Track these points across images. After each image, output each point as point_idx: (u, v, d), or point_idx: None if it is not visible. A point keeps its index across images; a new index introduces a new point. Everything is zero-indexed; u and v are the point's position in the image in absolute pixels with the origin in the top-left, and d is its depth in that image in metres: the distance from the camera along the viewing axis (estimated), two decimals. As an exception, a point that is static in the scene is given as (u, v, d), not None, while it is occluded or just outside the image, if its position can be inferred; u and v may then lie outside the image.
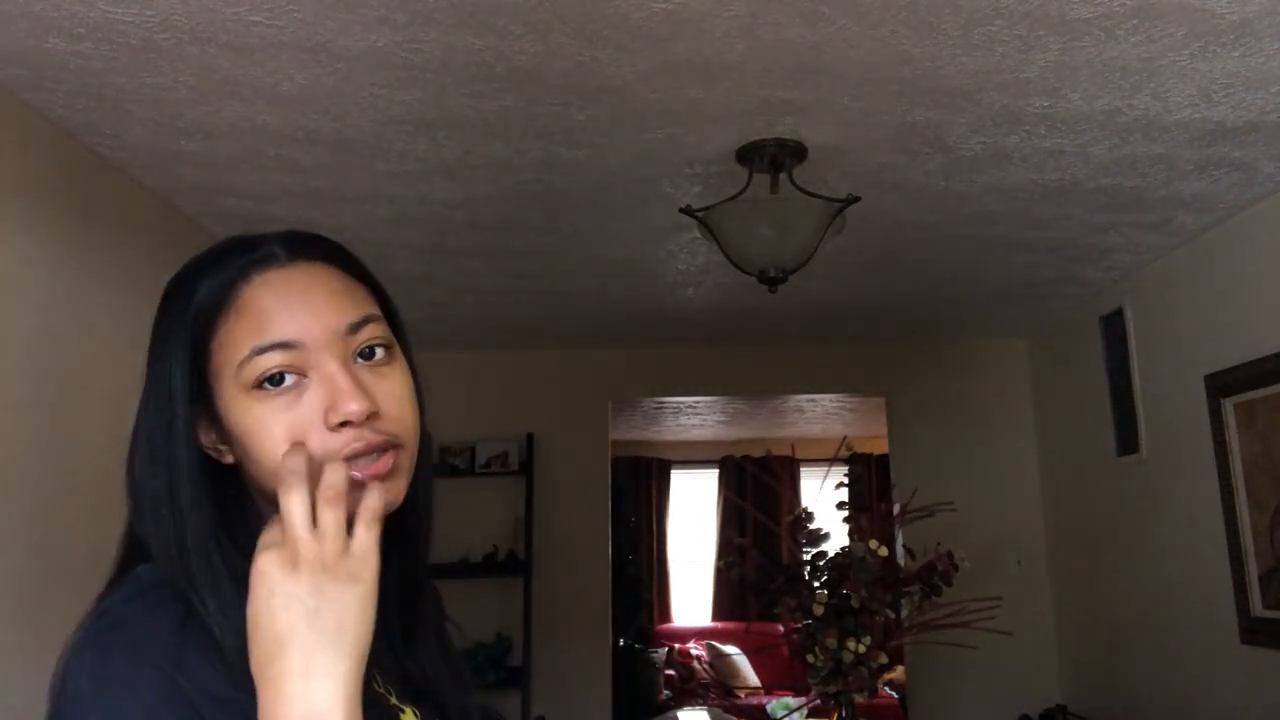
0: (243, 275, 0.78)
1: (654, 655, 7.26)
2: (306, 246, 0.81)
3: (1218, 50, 2.00)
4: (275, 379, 0.75)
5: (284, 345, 0.75)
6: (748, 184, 2.48)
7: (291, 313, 0.76)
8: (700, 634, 7.97)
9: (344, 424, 0.74)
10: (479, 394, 4.75)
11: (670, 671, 7.33)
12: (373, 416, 0.75)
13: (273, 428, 0.75)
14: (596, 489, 4.82)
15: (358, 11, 1.81)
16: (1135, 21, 1.89)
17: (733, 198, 2.49)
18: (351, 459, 0.74)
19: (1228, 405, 3.02)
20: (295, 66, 2.01)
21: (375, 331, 0.79)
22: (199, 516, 0.75)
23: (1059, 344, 4.35)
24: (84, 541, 2.24)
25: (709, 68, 2.05)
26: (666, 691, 7.09)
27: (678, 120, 2.30)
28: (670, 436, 8.24)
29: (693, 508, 8.71)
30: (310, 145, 2.41)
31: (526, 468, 4.69)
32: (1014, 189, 2.76)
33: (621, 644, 6.48)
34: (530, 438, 4.74)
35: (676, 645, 7.72)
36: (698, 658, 7.66)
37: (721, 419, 7.34)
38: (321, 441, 0.74)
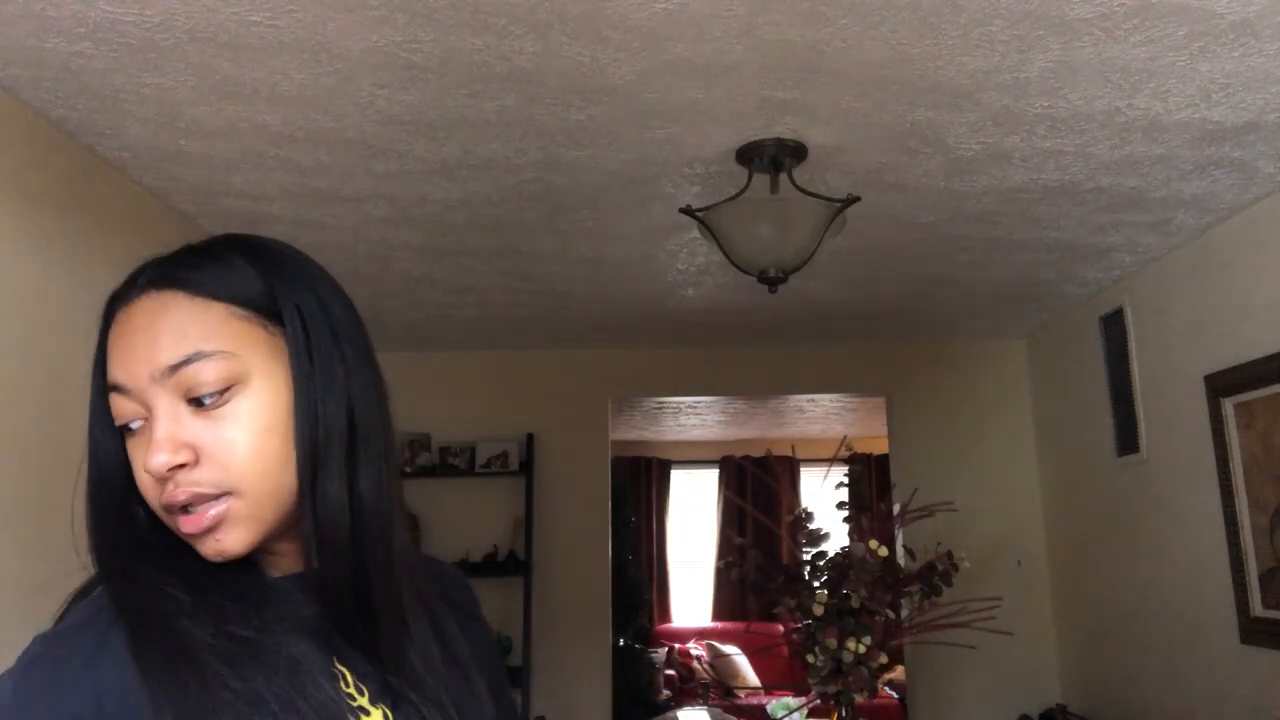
0: (109, 313, 0.79)
1: (654, 655, 7.26)
2: (161, 273, 0.78)
3: (1218, 50, 2.00)
4: (128, 422, 0.76)
5: (116, 388, 0.76)
6: (748, 184, 2.48)
7: (120, 354, 0.76)
8: (700, 634, 7.97)
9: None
10: (479, 394, 4.75)
11: (670, 671, 7.33)
12: (185, 467, 0.73)
13: (136, 466, 0.76)
14: (596, 489, 4.82)
15: (358, 11, 1.81)
16: (1135, 21, 1.89)
17: (733, 198, 2.49)
18: (175, 509, 0.74)
19: (1228, 405, 3.02)
20: (295, 66, 2.01)
21: (202, 372, 0.74)
22: (101, 537, 0.78)
23: (1059, 344, 4.35)
24: (83, 540, 2.24)
25: (709, 68, 2.05)
26: (666, 691, 7.09)
27: (678, 120, 2.30)
28: (670, 436, 8.25)
29: (693, 508, 8.71)
30: (310, 145, 2.41)
31: (526, 468, 4.69)
32: (1014, 189, 2.76)
33: (621, 644, 6.48)
34: (530, 438, 4.75)
35: (676, 645, 7.72)
36: (698, 658, 7.66)
37: (721, 419, 7.34)
38: (149, 485, 0.76)
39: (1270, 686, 2.85)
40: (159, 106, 2.18)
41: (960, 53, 2.00)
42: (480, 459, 4.69)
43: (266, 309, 0.78)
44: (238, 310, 0.77)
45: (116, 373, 0.75)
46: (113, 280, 0.81)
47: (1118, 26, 1.90)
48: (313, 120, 2.27)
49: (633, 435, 7.92)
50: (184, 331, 0.75)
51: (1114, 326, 3.78)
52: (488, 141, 2.41)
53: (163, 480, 0.74)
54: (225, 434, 0.74)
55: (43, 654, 0.73)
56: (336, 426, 0.78)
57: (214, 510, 0.74)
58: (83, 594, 0.80)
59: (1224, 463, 3.03)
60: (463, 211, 2.89)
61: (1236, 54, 2.02)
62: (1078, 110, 2.27)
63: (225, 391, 0.74)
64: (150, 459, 0.72)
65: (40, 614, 2.22)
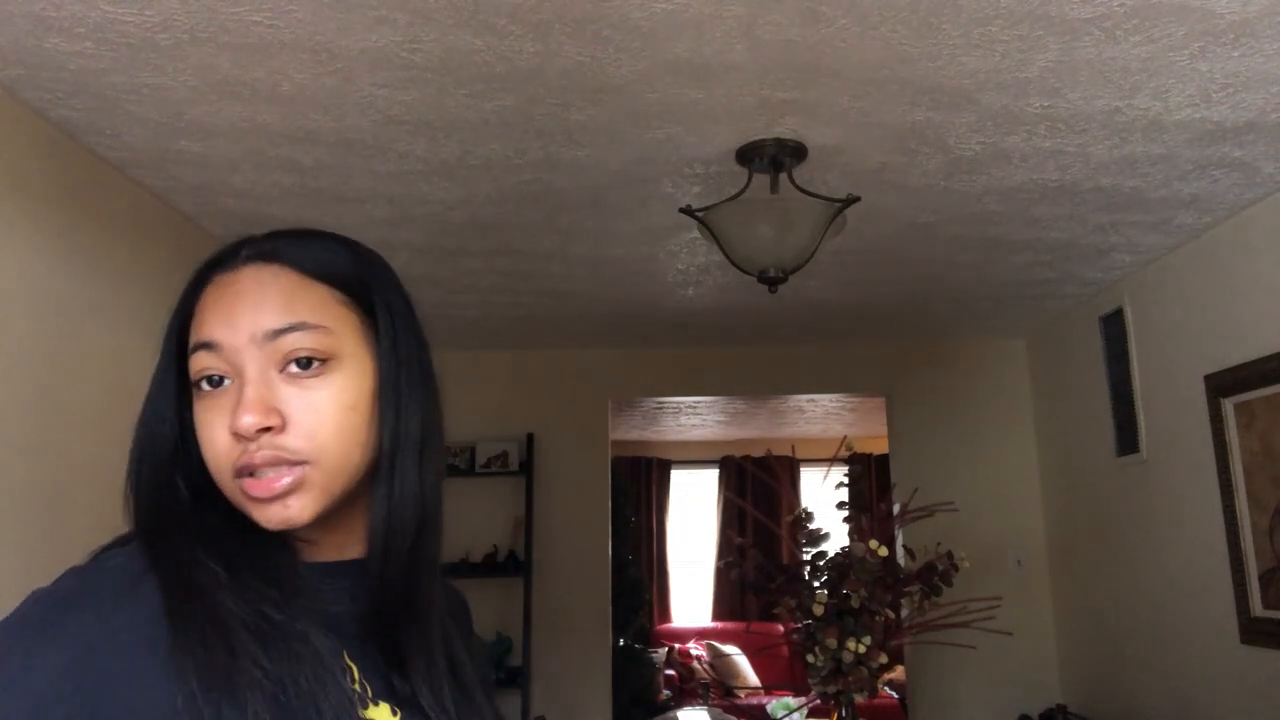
0: (204, 278, 0.81)
1: (654, 655, 7.26)
2: (269, 247, 0.81)
3: (1218, 50, 2.00)
4: (212, 380, 0.77)
5: (207, 345, 0.77)
6: (748, 184, 2.48)
7: (219, 313, 0.77)
8: (700, 634, 7.97)
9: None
10: (479, 394, 4.75)
11: (670, 671, 7.33)
12: (272, 430, 0.75)
13: (207, 428, 0.77)
14: (596, 489, 4.82)
15: (358, 11, 1.81)
16: (1135, 21, 1.89)
17: (733, 198, 2.49)
18: (245, 471, 0.75)
19: (1228, 405, 3.02)
20: (295, 66, 2.01)
21: (303, 341, 0.76)
22: (170, 483, 0.78)
23: (1059, 344, 4.35)
24: (84, 541, 2.24)
25: (709, 68, 2.05)
26: (666, 691, 7.09)
27: (678, 120, 2.30)
28: (670, 436, 8.25)
29: (693, 508, 8.71)
30: (310, 145, 2.41)
31: (526, 468, 4.69)
32: (1014, 189, 2.76)
33: (621, 644, 6.47)
34: (530, 438, 4.74)
35: (676, 645, 7.72)
36: (698, 658, 7.66)
37: (721, 419, 7.34)
38: (215, 445, 0.76)
39: (1270, 686, 2.85)
40: (159, 106, 2.18)
41: (960, 53, 2.00)
42: (480, 459, 4.69)
43: (361, 299, 0.82)
44: (337, 294, 0.80)
45: (212, 330, 0.77)
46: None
47: (1118, 26, 1.90)
48: (313, 120, 2.27)
49: (633, 435, 7.91)
50: (290, 302, 0.78)
51: (1114, 326, 3.78)
52: (488, 141, 2.41)
53: (243, 441, 0.75)
54: (314, 403, 0.77)
55: (75, 586, 0.73)
56: (414, 422, 0.82)
57: (289, 477, 0.75)
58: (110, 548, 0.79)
59: (1224, 463, 3.03)
60: (463, 211, 2.89)
61: (1236, 54, 2.01)
62: (1078, 110, 2.27)
63: (319, 364, 0.77)
64: (240, 418, 0.74)
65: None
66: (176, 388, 0.80)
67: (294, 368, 0.76)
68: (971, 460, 4.64)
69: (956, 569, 2.84)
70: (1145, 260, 3.46)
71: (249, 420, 0.74)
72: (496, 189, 2.72)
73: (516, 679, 4.48)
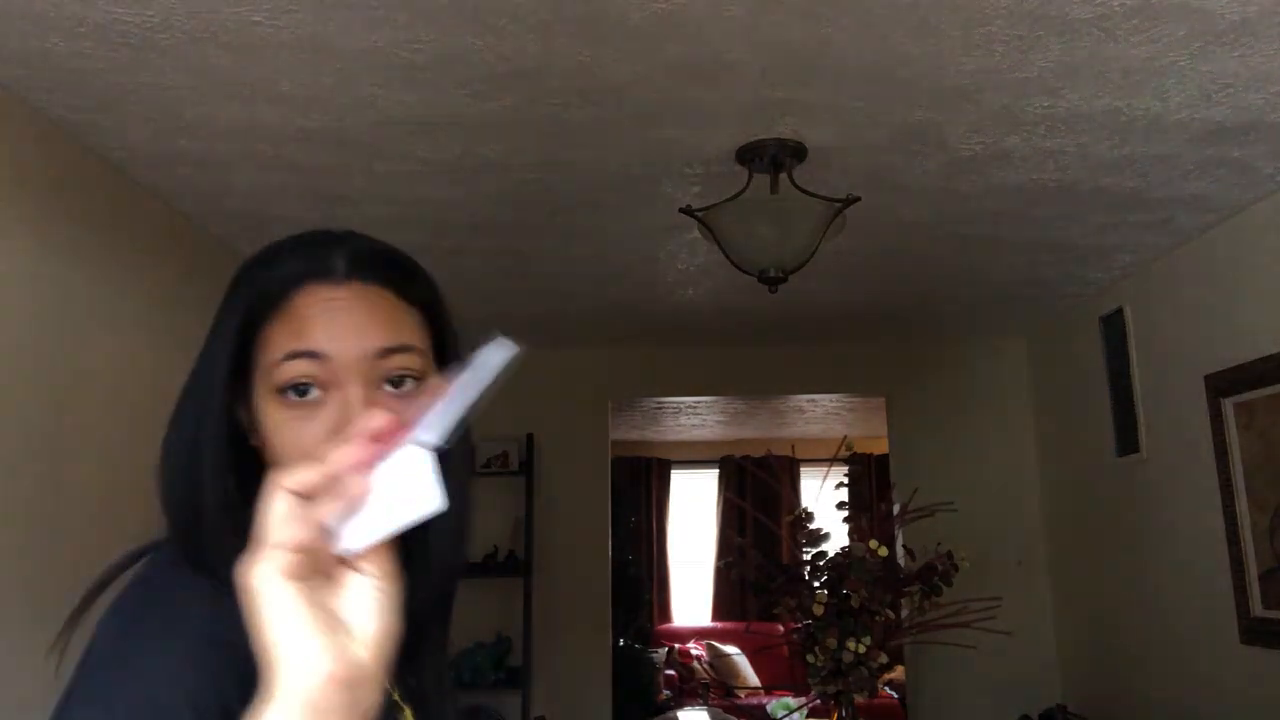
0: (297, 282, 0.79)
1: (654, 655, 7.26)
2: (367, 266, 0.82)
3: (1218, 50, 2.00)
4: (300, 389, 0.76)
5: (312, 354, 0.76)
6: (748, 184, 2.48)
7: (328, 326, 0.78)
8: (700, 634, 7.97)
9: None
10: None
11: (670, 671, 7.33)
12: None
13: (286, 435, 0.77)
14: (596, 489, 4.82)
15: (358, 11, 1.81)
16: (1135, 21, 1.89)
17: (733, 198, 2.49)
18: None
19: (1228, 405, 3.02)
20: (295, 66, 2.01)
21: (407, 362, 0.79)
22: (219, 483, 0.77)
23: (1059, 344, 4.35)
24: (84, 540, 2.24)
25: (709, 68, 2.05)
26: (666, 691, 7.09)
27: (678, 120, 2.30)
28: (670, 436, 8.24)
29: (693, 508, 8.71)
30: (310, 145, 2.41)
31: (526, 468, 4.69)
32: (1014, 189, 2.76)
33: (621, 644, 6.47)
34: (530, 438, 4.74)
35: (676, 645, 7.72)
36: (698, 658, 7.66)
37: (721, 419, 7.34)
38: (307, 453, 0.75)
39: (1270, 686, 2.85)
40: (159, 106, 2.18)
41: (960, 53, 2.00)
42: (480, 459, 4.69)
43: (436, 325, 0.86)
44: (423, 319, 0.84)
45: (319, 341, 0.77)
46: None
47: (1118, 26, 1.90)
48: (313, 120, 2.27)
49: (633, 435, 7.91)
50: (398, 325, 0.80)
51: (1114, 326, 3.77)
52: (488, 141, 2.41)
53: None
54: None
55: (148, 606, 0.73)
56: (468, 440, 0.86)
57: None
58: (136, 558, 0.79)
59: (1224, 463, 3.03)
60: (463, 211, 2.89)
61: (1236, 54, 2.01)
62: (1078, 110, 2.27)
63: (410, 384, 0.80)
64: (372, 420, 0.73)
65: (38, 614, 2.23)
66: (230, 387, 0.79)
67: (388, 386, 0.78)
68: (971, 460, 4.64)
69: (956, 569, 2.84)
70: (1145, 260, 3.46)
71: (383, 420, 0.74)
72: (496, 189, 2.72)
73: (516, 679, 4.48)
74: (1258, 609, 2.90)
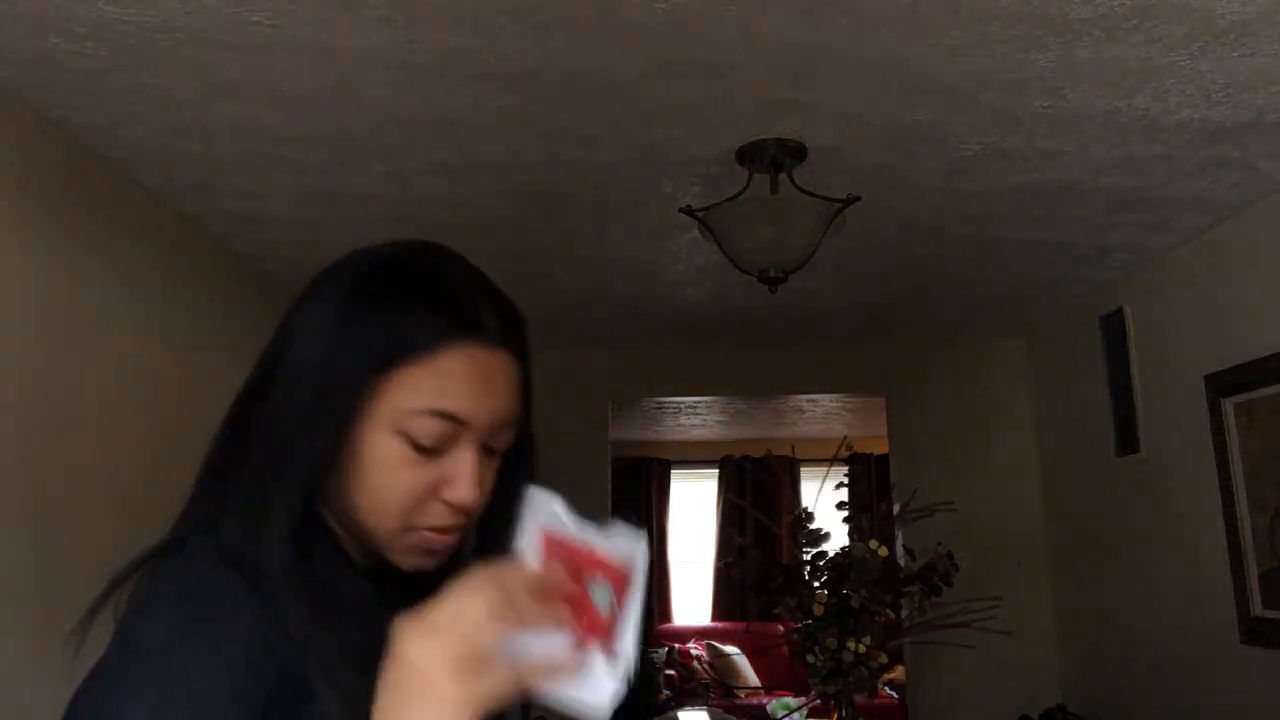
0: (451, 336, 0.78)
1: (654, 655, 7.26)
2: (513, 335, 0.83)
3: (1218, 50, 2.00)
4: (432, 446, 0.78)
5: (456, 419, 0.78)
6: (748, 184, 2.48)
7: (473, 396, 0.79)
8: (700, 634, 7.97)
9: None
10: (479, 394, 4.74)
11: (670, 671, 7.33)
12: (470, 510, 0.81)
13: (393, 477, 0.78)
14: (596, 489, 4.82)
15: (358, 11, 1.81)
16: (1135, 21, 1.89)
17: (733, 198, 2.49)
18: (431, 528, 0.79)
19: (1228, 405, 3.02)
20: (295, 66, 2.01)
21: (510, 435, 0.83)
22: (299, 494, 0.77)
23: (1059, 344, 4.35)
24: (84, 539, 2.24)
25: (709, 68, 2.05)
26: (666, 691, 7.09)
27: (678, 120, 2.30)
28: (670, 436, 8.24)
29: (693, 508, 8.70)
30: (310, 145, 2.41)
31: (526, 468, 4.68)
32: (1014, 189, 2.76)
33: (621, 644, 6.46)
34: (530, 438, 4.73)
35: (676, 645, 7.72)
36: (698, 658, 7.66)
37: (721, 419, 7.34)
38: (411, 498, 0.78)
39: (1270, 686, 2.85)
40: (159, 106, 2.18)
41: (960, 53, 2.00)
42: (480, 459, 4.69)
43: (526, 398, 0.89)
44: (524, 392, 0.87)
45: (464, 407, 0.78)
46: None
47: (1118, 26, 1.90)
48: (313, 120, 2.27)
49: (633, 435, 7.91)
50: (516, 400, 0.84)
51: (1114, 326, 3.77)
52: (488, 141, 2.41)
53: (439, 503, 0.79)
54: (486, 485, 0.83)
55: (199, 602, 0.72)
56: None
57: (454, 539, 0.82)
58: (156, 553, 0.78)
59: (1224, 463, 3.03)
60: (463, 211, 2.88)
61: (1236, 54, 2.01)
62: (1078, 110, 2.27)
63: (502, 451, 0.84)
64: (469, 493, 0.79)
65: (37, 616, 2.22)
66: (359, 399, 0.77)
67: (491, 453, 0.82)
68: (971, 460, 4.64)
69: (956, 569, 2.84)
70: (1145, 260, 3.46)
71: (475, 496, 0.79)
72: (496, 189, 2.72)
73: (516, 679, 4.47)
74: (1258, 609, 2.90)
